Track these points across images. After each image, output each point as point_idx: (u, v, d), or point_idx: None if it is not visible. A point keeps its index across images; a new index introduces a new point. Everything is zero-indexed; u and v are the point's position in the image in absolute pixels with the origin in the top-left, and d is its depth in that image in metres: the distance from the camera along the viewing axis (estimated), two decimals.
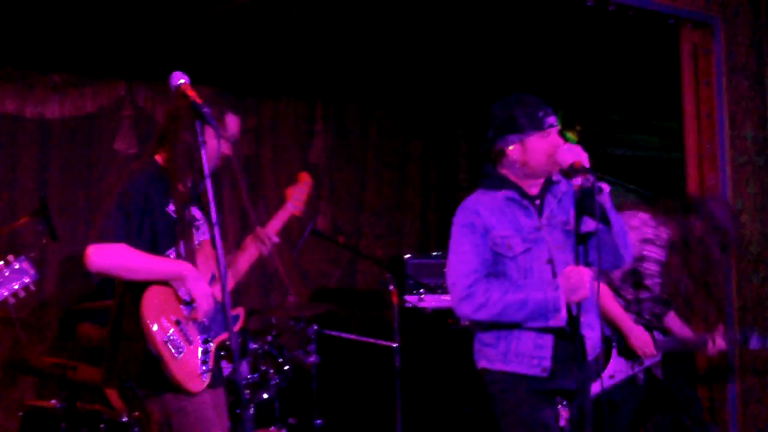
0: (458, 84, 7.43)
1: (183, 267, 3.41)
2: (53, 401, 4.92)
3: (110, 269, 3.35)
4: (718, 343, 4.71)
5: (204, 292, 3.41)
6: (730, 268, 5.40)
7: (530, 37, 6.42)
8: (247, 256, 3.82)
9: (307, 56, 6.57)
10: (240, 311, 3.73)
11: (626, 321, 4.53)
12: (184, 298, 3.43)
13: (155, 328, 3.32)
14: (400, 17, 6.01)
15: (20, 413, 5.08)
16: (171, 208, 3.47)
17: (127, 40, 5.94)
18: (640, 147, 8.32)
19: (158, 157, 3.53)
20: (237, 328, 3.70)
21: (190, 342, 3.42)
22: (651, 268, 4.56)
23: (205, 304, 3.41)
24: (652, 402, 4.73)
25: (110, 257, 3.32)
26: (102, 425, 4.79)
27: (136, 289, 3.38)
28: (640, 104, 7.83)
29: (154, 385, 3.37)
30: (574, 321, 3.52)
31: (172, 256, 3.46)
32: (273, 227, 3.89)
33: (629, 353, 4.55)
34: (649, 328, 4.58)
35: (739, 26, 5.68)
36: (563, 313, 3.50)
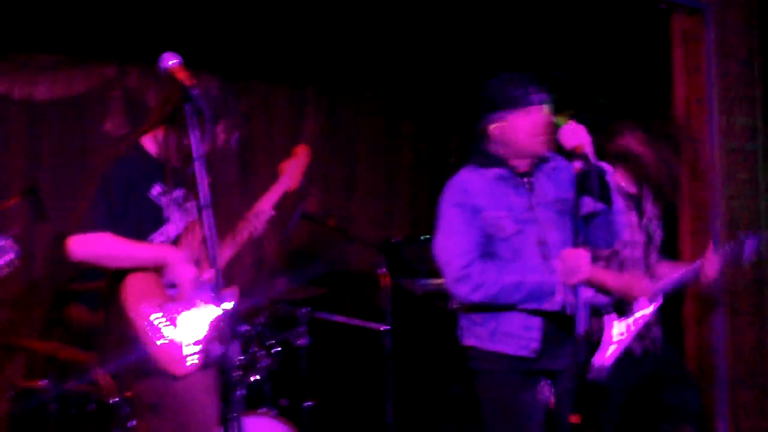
0: (449, 68, 7.42)
1: (166, 252, 3.41)
2: (42, 382, 4.91)
3: (93, 258, 3.34)
4: (712, 262, 4.60)
5: (188, 276, 3.40)
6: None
7: (520, 21, 6.41)
8: (240, 235, 3.79)
9: (298, 39, 6.55)
10: (234, 290, 3.72)
11: (609, 277, 4.46)
12: (169, 282, 3.42)
13: (136, 314, 3.32)
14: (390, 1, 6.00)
15: (9, 394, 5.07)
16: (155, 192, 3.45)
17: (118, 22, 5.91)
18: None
19: (145, 140, 3.51)
20: (231, 307, 3.68)
21: (175, 325, 3.40)
22: None
23: (189, 287, 3.40)
24: (647, 381, 4.70)
25: (92, 246, 3.31)
26: (91, 406, 4.79)
27: (119, 275, 3.37)
28: (630, 90, 7.83)
29: (140, 369, 3.37)
30: (570, 304, 3.53)
31: (157, 240, 3.45)
32: (268, 202, 3.86)
33: (623, 311, 4.51)
34: None
35: (731, 12, 5.68)
36: (558, 297, 3.51)
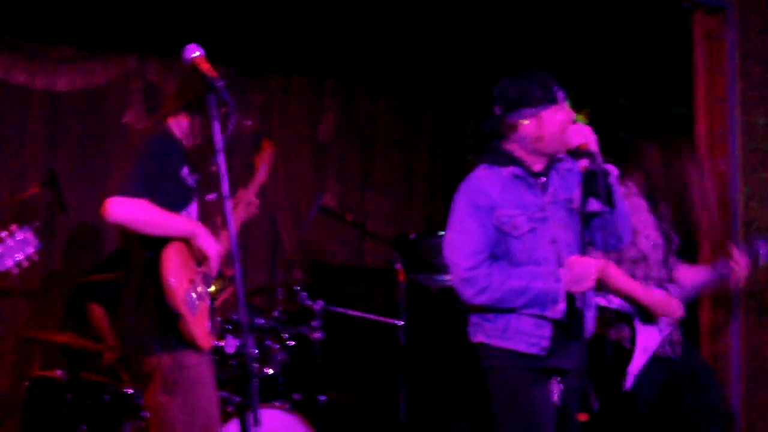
0: (467, 64, 7.41)
1: (195, 225, 3.53)
2: (58, 372, 4.94)
3: (130, 222, 3.39)
4: (742, 262, 4.62)
5: (216, 249, 3.54)
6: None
7: (540, 18, 6.39)
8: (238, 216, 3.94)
9: (317, 33, 6.55)
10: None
11: (640, 291, 4.47)
12: (198, 257, 3.55)
13: (176, 285, 3.39)
14: None
15: (26, 383, 5.11)
16: (184, 173, 3.57)
17: (138, 14, 5.94)
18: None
19: (171, 125, 3.59)
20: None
21: (202, 299, 3.52)
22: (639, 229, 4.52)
23: (216, 261, 3.54)
24: (671, 384, 4.69)
25: (131, 210, 3.36)
26: (106, 396, 4.82)
27: (154, 246, 3.44)
28: (650, 88, 7.80)
29: (170, 342, 3.46)
30: (574, 312, 3.54)
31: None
32: (251, 192, 4.07)
33: (649, 317, 4.51)
34: (663, 286, 4.56)
35: (753, 11, 5.65)
36: (561, 305, 3.53)
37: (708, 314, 5.57)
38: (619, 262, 4.50)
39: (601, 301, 4.27)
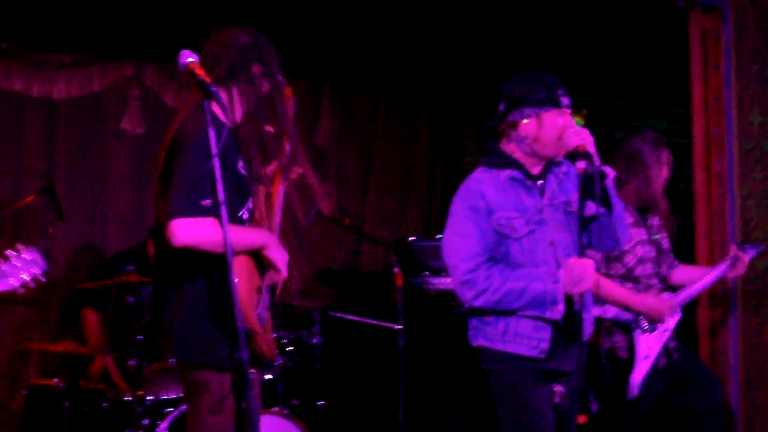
0: (465, 67, 7.41)
1: (265, 236, 3.32)
2: (56, 380, 4.93)
3: (198, 245, 3.12)
4: (741, 258, 4.72)
5: (284, 259, 3.34)
6: None
7: (537, 19, 6.39)
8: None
9: (314, 36, 6.55)
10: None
11: (631, 298, 4.48)
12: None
13: (248, 304, 3.20)
14: None
15: (24, 392, 5.10)
16: (240, 165, 3.33)
17: (135, 20, 5.94)
18: None
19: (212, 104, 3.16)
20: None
21: (268, 310, 3.36)
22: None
23: (285, 272, 3.35)
24: (669, 387, 4.69)
25: (198, 233, 3.10)
26: (105, 404, 4.81)
27: (222, 262, 3.11)
28: (647, 88, 7.81)
29: (228, 362, 3.13)
30: (572, 315, 3.54)
31: (245, 216, 3.37)
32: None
33: (647, 326, 4.52)
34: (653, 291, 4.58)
35: (749, 10, 5.65)
36: (561, 306, 3.54)
37: (705, 314, 5.56)
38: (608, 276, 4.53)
39: (596, 311, 4.27)
